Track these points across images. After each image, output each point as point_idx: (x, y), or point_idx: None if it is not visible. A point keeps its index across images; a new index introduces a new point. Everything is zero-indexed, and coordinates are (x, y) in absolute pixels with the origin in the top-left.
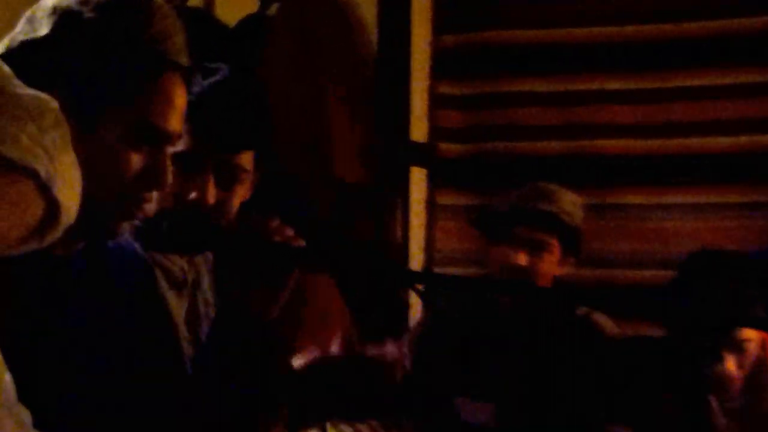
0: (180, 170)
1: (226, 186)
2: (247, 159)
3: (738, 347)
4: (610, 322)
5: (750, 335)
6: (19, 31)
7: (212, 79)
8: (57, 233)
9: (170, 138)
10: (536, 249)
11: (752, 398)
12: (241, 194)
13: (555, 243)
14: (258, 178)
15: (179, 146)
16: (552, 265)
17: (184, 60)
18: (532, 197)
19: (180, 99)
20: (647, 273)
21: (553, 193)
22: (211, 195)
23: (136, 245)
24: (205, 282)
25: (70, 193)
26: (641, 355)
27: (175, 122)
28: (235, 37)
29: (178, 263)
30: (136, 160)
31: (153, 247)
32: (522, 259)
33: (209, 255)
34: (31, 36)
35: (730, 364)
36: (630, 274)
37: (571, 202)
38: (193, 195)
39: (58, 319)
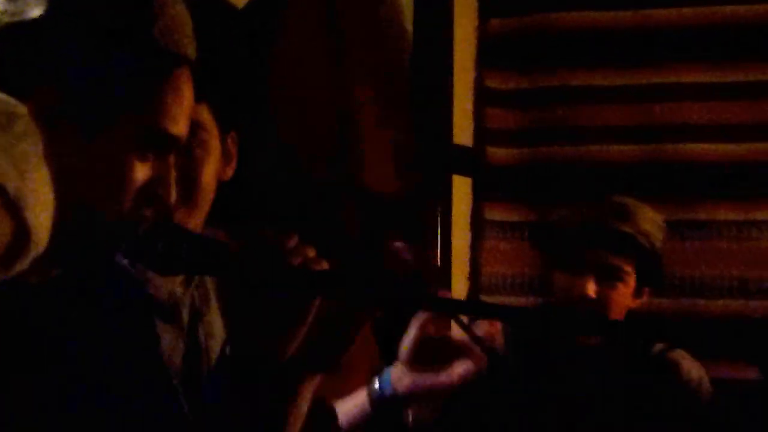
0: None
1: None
2: (199, 112)
3: None
4: (695, 363)
5: None
6: (2, 11)
7: None
8: (25, 262)
9: (177, 143)
10: (609, 277)
11: None
12: (207, 167)
13: (631, 270)
14: (235, 145)
15: None
16: (626, 296)
17: (192, 53)
18: (605, 214)
19: (189, 98)
20: (738, 303)
21: (629, 210)
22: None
23: (129, 268)
24: (212, 310)
25: (41, 215)
26: (732, 404)
27: (183, 125)
28: (245, 19)
29: (166, 287)
30: (143, 170)
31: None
32: (591, 288)
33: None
34: (18, 18)
35: None
36: (718, 305)
37: (651, 221)
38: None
39: (31, 356)
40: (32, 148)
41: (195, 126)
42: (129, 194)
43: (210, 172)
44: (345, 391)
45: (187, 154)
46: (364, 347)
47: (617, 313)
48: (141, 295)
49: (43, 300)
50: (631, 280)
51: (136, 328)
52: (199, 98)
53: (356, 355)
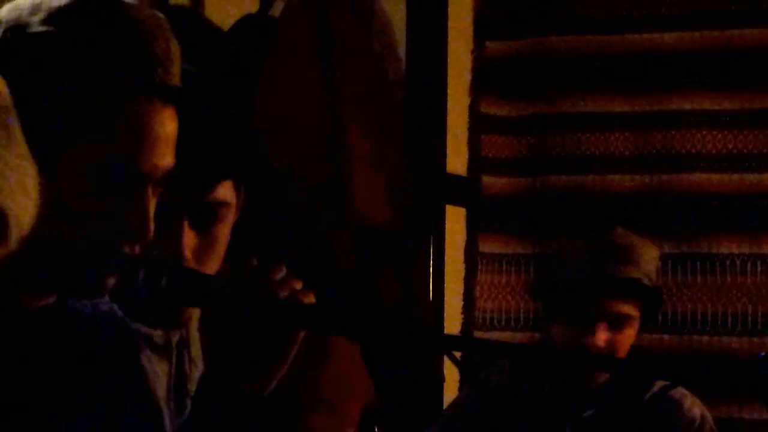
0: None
1: (204, 227)
2: (226, 191)
3: None
4: (696, 401)
5: None
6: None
7: None
8: (9, 246)
9: (151, 176)
10: (618, 325)
11: None
12: (224, 235)
13: (637, 314)
14: (243, 207)
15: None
16: (632, 338)
17: (168, 78)
18: (609, 259)
19: (165, 127)
20: (743, 340)
21: (634, 252)
22: (188, 245)
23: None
24: (197, 340)
25: (20, 198)
26: None
27: (159, 156)
28: (230, 42)
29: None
30: (110, 205)
31: (132, 316)
32: (602, 339)
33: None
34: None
35: None
36: (722, 341)
37: (653, 260)
38: (166, 248)
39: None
40: (6, 120)
41: (219, 205)
42: (98, 231)
43: (227, 234)
44: (341, 423)
45: (207, 229)
46: (359, 380)
47: (622, 353)
48: (127, 326)
49: (39, 326)
50: (637, 323)
51: (121, 358)
52: (225, 176)
53: (352, 388)
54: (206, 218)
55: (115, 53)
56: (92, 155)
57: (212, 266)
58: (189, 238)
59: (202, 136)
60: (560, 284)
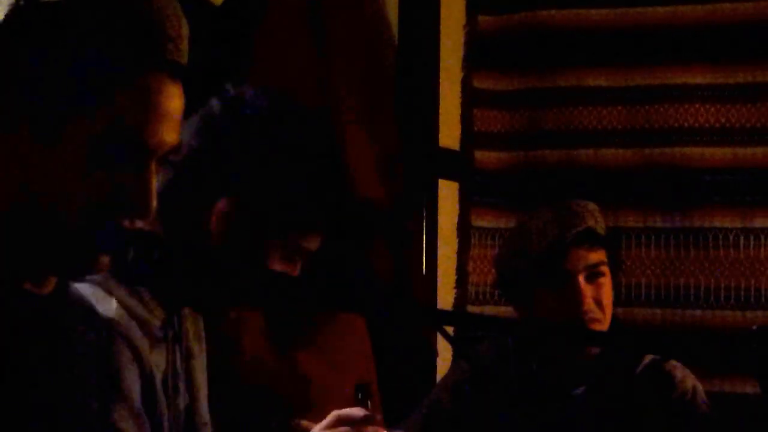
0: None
1: (290, 263)
2: (316, 241)
3: None
4: (687, 373)
5: None
6: None
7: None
8: None
9: (156, 151)
10: (594, 276)
11: None
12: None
13: (606, 260)
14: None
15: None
16: (610, 291)
17: (178, 55)
18: (566, 220)
19: (173, 102)
20: (736, 314)
21: (583, 208)
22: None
23: (97, 300)
24: (190, 333)
25: None
26: (730, 419)
27: (166, 131)
28: (222, 17)
29: (159, 314)
30: (111, 179)
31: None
32: (586, 292)
33: None
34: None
35: None
36: (714, 315)
37: (599, 213)
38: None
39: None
40: None
41: (306, 253)
42: (99, 204)
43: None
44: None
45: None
46: (357, 364)
47: (611, 309)
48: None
49: (44, 312)
50: (608, 272)
51: (89, 347)
52: (318, 229)
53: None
54: (292, 257)
55: (128, 27)
56: (100, 126)
57: None
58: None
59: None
60: (535, 252)
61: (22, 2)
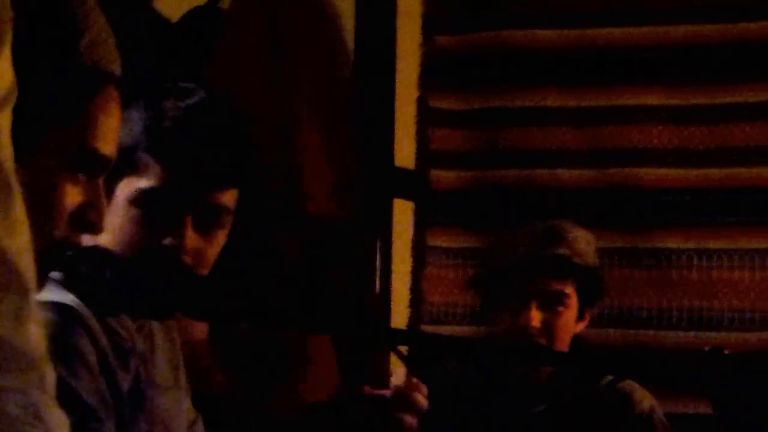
0: (149, 211)
1: (206, 230)
2: (231, 198)
3: None
4: (645, 392)
5: None
6: None
7: (188, 101)
8: None
9: (107, 165)
10: (552, 304)
11: None
12: (221, 241)
13: (572, 293)
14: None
15: (149, 181)
16: (570, 321)
17: (118, 69)
18: (537, 241)
19: (117, 117)
20: (689, 335)
21: (561, 232)
22: (191, 240)
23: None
24: (157, 353)
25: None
26: None
27: (113, 145)
28: (180, 33)
29: (127, 326)
30: (73, 194)
31: (107, 310)
32: (536, 318)
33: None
34: None
35: None
36: (669, 336)
37: (584, 240)
38: (168, 241)
39: None
40: None
41: (223, 210)
42: (61, 219)
43: (223, 240)
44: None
45: (208, 232)
46: (326, 364)
47: (562, 339)
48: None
49: None
50: (573, 304)
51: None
52: (233, 184)
53: (319, 371)
54: (209, 220)
55: (85, 46)
56: (72, 143)
57: (206, 267)
58: (191, 236)
59: (215, 143)
60: (495, 270)
61: None
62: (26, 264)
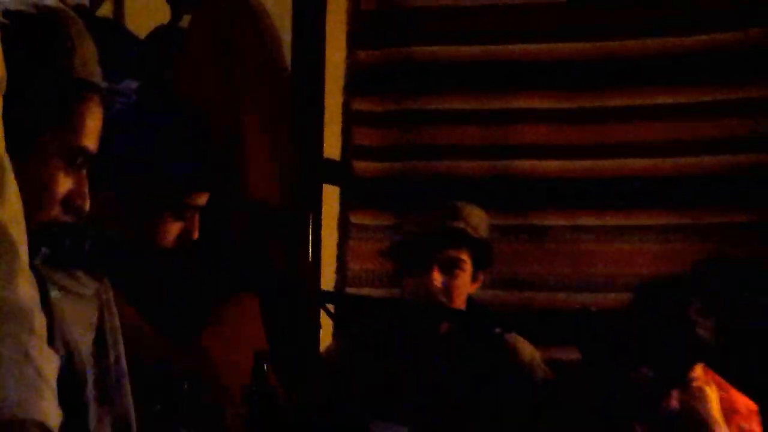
0: (128, 208)
1: (183, 221)
2: (203, 199)
3: (686, 384)
4: (526, 343)
5: (698, 372)
6: None
7: (129, 100)
8: None
9: (92, 159)
10: (451, 268)
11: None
12: (195, 229)
13: (467, 258)
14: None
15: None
16: (466, 282)
17: (100, 80)
18: (441, 217)
19: (100, 119)
20: (563, 295)
21: (459, 210)
22: (173, 227)
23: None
24: (112, 300)
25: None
26: (560, 380)
27: (96, 143)
28: (146, 49)
29: (90, 285)
30: (65, 182)
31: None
32: (438, 279)
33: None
34: None
35: (675, 400)
36: (546, 297)
37: (478, 217)
38: (167, 238)
39: None
40: None
41: (196, 209)
42: (55, 203)
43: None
44: (231, 358)
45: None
46: (251, 341)
47: (460, 297)
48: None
49: None
50: (468, 268)
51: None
52: (207, 187)
53: (244, 333)
54: (185, 215)
55: (74, 64)
56: (66, 141)
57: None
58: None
59: (193, 151)
60: (405, 241)
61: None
62: (17, 232)
